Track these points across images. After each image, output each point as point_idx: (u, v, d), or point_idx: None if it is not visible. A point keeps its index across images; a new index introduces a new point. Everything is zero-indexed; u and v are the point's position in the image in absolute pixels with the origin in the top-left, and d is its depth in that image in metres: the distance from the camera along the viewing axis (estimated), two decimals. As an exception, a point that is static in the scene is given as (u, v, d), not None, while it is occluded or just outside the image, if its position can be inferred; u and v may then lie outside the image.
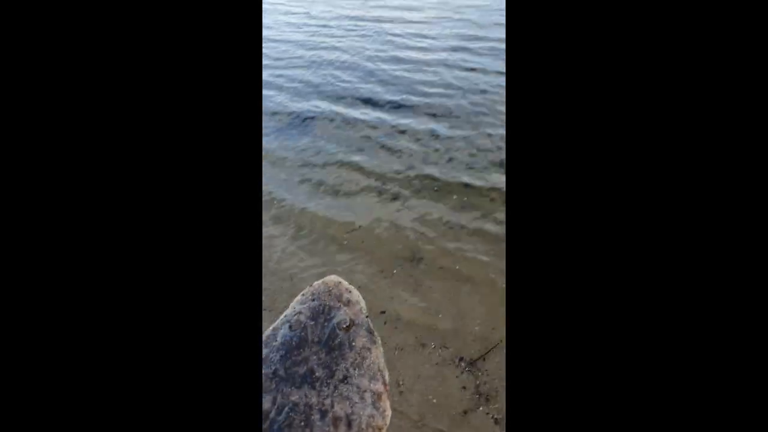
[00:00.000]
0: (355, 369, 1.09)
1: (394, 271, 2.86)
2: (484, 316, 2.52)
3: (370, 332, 1.21)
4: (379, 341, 1.21)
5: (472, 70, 5.93)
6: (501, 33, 7.24)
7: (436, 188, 3.68)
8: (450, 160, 4.08)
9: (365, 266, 2.93)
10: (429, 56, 6.47)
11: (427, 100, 5.12)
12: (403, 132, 4.51)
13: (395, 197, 3.60)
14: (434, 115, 4.80)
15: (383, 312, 2.55)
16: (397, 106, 5.04)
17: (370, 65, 6.22)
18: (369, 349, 1.15)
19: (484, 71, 5.87)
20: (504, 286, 2.71)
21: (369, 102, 5.17)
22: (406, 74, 5.87)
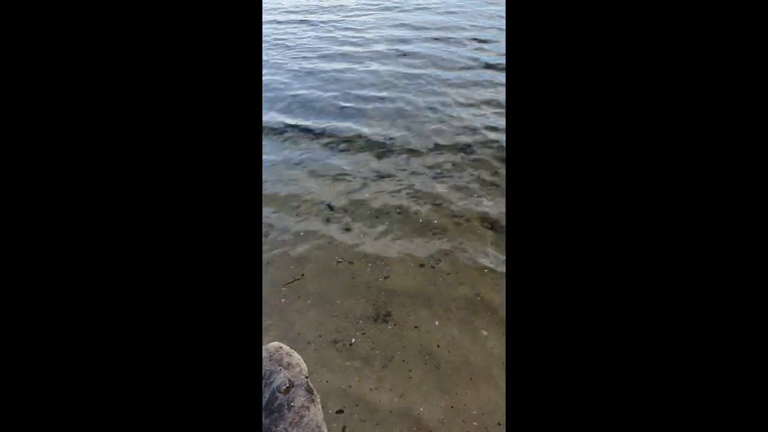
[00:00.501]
0: (293, 428, 1.13)
1: (352, 341, 2.15)
2: (484, 392, 1.88)
3: (309, 391, 1.27)
4: (318, 399, 1.27)
5: (413, 75, 5.35)
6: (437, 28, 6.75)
7: (397, 221, 3.01)
8: (410, 188, 3.44)
9: (311, 331, 2.20)
10: (362, 67, 5.83)
11: (371, 119, 4.46)
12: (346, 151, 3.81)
13: (347, 228, 2.90)
14: (381, 140, 4.14)
15: (340, 411, 1.83)
16: (336, 117, 4.33)
17: (294, 84, 5.49)
18: (307, 408, 1.20)
19: (429, 77, 5.31)
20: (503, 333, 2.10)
21: (290, 126, 4.43)
22: (343, 76, 5.19)
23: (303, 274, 2.58)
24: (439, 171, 3.42)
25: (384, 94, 4.75)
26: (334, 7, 8.66)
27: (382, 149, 3.79)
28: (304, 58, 5.98)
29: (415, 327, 2.18)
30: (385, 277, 2.49)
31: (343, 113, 4.40)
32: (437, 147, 3.73)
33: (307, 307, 2.36)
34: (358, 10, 8.29)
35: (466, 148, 3.70)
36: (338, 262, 2.64)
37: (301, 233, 2.91)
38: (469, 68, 5.22)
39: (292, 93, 4.94)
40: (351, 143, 3.89)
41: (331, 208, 3.11)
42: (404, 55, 5.81)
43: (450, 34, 6.42)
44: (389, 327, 2.19)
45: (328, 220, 3.00)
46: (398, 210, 3.02)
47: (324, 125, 4.23)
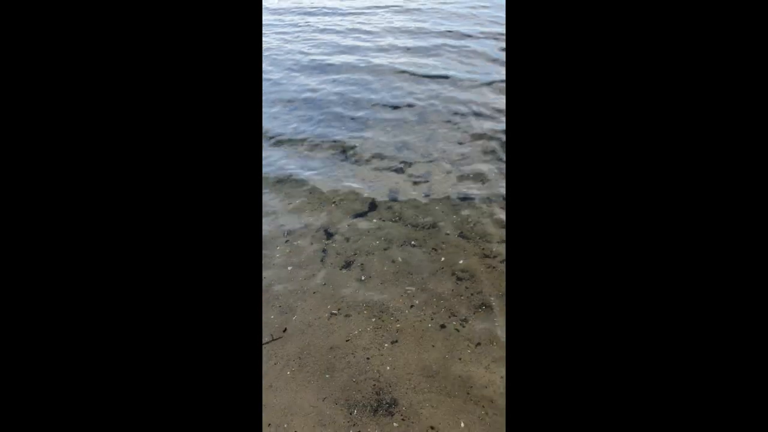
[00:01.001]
0: None
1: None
2: None
3: None
4: None
5: (436, 78, 4.69)
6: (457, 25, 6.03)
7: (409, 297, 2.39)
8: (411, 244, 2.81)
9: (286, 421, 1.58)
10: (361, 88, 5.21)
11: (376, 140, 3.84)
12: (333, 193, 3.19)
13: (347, 264, 2.29)
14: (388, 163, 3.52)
15: None
16: (332, 155, 3.73)
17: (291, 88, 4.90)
18: None
19: (453, 82, 4.64)
20: None
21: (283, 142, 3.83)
22: (340, 90, 4.58)
23: (285, 330, 1.97)
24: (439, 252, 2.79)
25: (389, 114, 4.10)
26: (341, 8, 8.02)
27: (368, 204, 3.17)
28: (299, 70, 5.35)
29: (431, 428, 1.54)
30: (392, 342, 1.86)
31: (336, 153, 3.75)
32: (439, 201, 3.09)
33: (286, 381, 1.74)
34: (367, 9, 7.64)
35: (465, 203, 3.06)
36: (332, 314, 2.02)
37: (289, 268, 2.31)
38: (488, 83, 4.38)
39: (277, 123, 4.33)
40: (340, 200, 3.27)
41: (328, 234, 2.50)
42: (415, 67, 5.08)
43: (468, 42, 5.68)
44: (395, 423, 1.56)
45: (324, 252, 2.38)
46: (413, 243, 2.39)
47: (309, 172, 3.61)
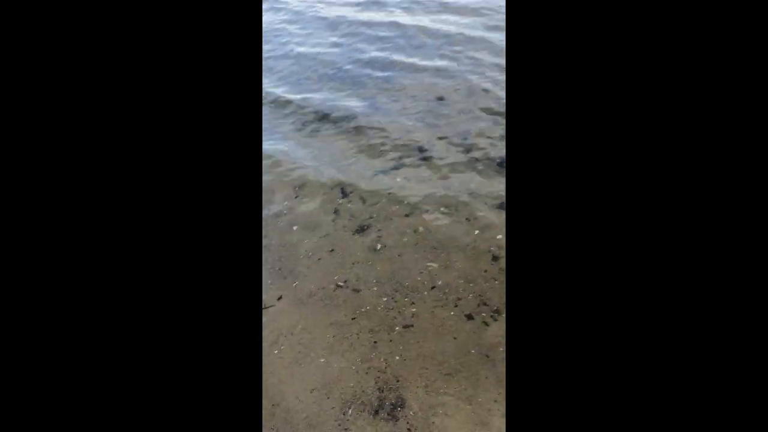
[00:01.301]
0: None
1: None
2: None
3: None
4: None
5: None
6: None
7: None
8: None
9: (266, 418, 1.29)
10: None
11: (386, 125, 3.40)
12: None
13: (362, 228, 1.95)
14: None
15: None
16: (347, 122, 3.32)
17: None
18: None
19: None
20: None
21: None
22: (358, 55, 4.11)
23: (280, 298, 1.67)
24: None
25: (421, 75, 3.62)
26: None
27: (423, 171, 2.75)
28: (322, 25, 4.87)
29: (445, 444, 1.21)
30: (404, 327, 1.53)
31: (359, 110, 3.33)
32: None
33: (272, 361, 1.44)
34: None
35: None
36: (338, 286, 1.70)
37: (294, 227, 1.99)
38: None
39: (292, 80, 3.92)
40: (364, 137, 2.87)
41: (343, 193, 2.15)
42: (452, 26, 4.55)
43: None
44: (397, 431, 1.24)
45: (336, 213, 2.04)
46: (442, 210, 2.01)
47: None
